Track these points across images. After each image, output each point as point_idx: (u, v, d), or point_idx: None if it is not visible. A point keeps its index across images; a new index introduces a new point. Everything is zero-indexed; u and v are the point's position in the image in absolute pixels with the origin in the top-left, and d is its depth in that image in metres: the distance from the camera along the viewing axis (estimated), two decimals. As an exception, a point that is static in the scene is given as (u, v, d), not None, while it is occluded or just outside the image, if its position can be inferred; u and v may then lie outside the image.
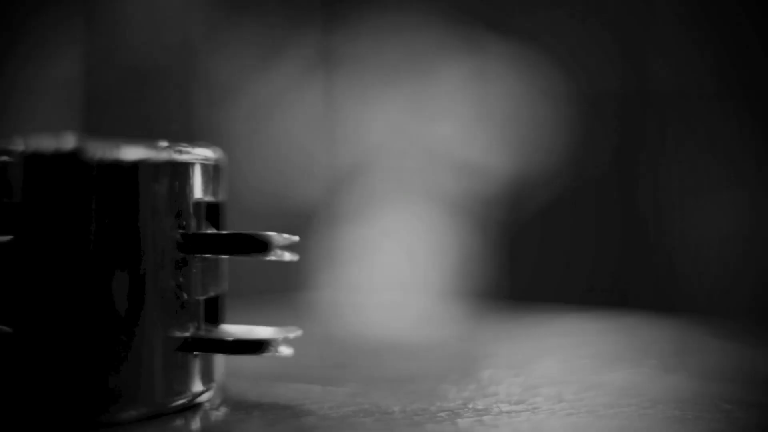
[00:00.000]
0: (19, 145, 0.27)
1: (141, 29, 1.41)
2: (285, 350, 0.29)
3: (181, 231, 0.28)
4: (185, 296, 0.28)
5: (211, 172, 0.30)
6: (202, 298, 0.29)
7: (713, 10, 1.42)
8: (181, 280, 0.28)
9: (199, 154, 0.29)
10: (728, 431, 0.27)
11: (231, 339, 0.29)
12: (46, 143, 0.27)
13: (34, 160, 0.26)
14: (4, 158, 0.27)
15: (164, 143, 0.28)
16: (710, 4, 1.44)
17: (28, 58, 1.41)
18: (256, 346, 0.29)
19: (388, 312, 0.63)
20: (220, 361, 0.31)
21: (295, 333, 0.30)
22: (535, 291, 1.49)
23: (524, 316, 0.54)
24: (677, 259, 1.48)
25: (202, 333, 0.29)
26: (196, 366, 0.29)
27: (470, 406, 0.30)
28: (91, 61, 1.41)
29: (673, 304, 1.45)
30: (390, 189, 1.54)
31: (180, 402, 0.28)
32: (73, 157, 0.26)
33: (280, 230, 0.30)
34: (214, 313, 0.30)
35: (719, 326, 0.49)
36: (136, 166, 0.27)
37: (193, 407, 0.29)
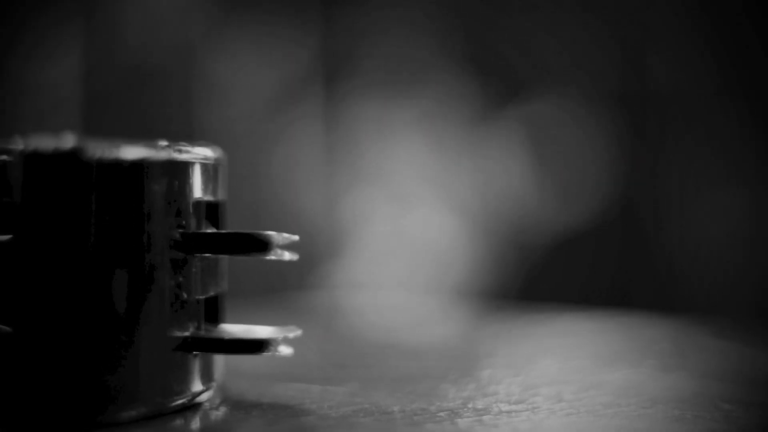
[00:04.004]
0: (19, 145, 0.27)
1: (141, 29, 1.41)
2: (285, 350, 0.30)
3: (180, 230, 0.28)
4: (185, 296, 0.28)
5: (211, 172, 0.30)
6: (202, 297, 0.29)
7: (713, 10, 1.43)
8: (180, 279, 0.28)
9: (199, 153, 0.29)
10: (727, 431, 0.27)
11: (231, 338, 0.29)
12: (45, 143, 0.27)
13: (34, 159, 0.26)
14: (4, 157, 0.27)
15: (164, 142, 0.28)
16: (710, 4, 1.44)
17: (28, 58, 1.41)
18: (256, 346, 0.29)
19: (387, 312, 0.63)
20: (219, 360, 0.31)
21: (294, 332, 0.30)
22: (535, 291, 1.49)
23: (523, 315, 0.54)
24: (677, 258, 1.48)
25: (202, 332, 0.29)
26: (196, 366, 0.29)
27: (470, 405, 0.30)
28: (90, 61, 1.41)
29: (674, 303, 1.45)
30: (391, 188, 1.54)
31: (180, 401, 0.28)
32: (73, 156, 0.26)
33: (280, 230, 0.30)
34: (214, 312, 0.30)
35: (719, 326, 0.49)
36: (135, 165, 0.27)
37: (192, 407, 0.29)
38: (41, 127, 1.39)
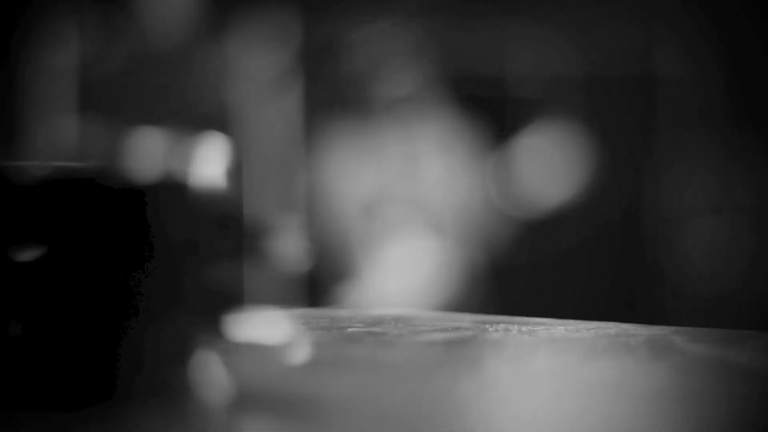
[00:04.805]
0: (47, 169, 0.28)
1: (144, 19, 1.43)
2: (296, 353, 0.31)
3: (190, 240, 0.30)
4: (195, 295, 0.30)
5: (217, 189, 0.31)
6: (210, 297, 0.31)
7: (713, 10, 1.43)
8: (190, 280, 0.30)
9: (209, 172, 0.31)
10: (714, 421, 0.29)
11: (241, 340, 0.31)
12: (70, 164, 0.29)
13: (58, 184, 0.28)
14: (34, 179, 0.28)
15: (182, 164, 0.30)
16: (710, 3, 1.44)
17: (33, 46, 1.43)
18: (268, 348, 0.31)
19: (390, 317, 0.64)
20: (229, 360, 0.32)
21: (302, 340, 0.31)
22: (533, 297, 1.49)
23: (523, 322, 0.56)
24: (678, 267, 1.48)
25: (211, 330, 0.31)
26: (205, 361, 0.30)
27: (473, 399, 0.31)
28: (91, 49, 1.43)
29: (674, 310, 1.45)
30: (385, 196, 1.54)
31: (189, 393, 0.30)
32: (94, 182, 0.28)
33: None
34: (222, 311, 0.32)
35: (713, 333, 0.50)
36: (152, 188, 0.29)
37: (201, 401, 0.30)
38: (46, 112, 1.41)
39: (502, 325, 0.48)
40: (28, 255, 0.28)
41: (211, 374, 0.31)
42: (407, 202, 1.60)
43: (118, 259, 0.28)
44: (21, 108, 1.44)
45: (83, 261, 0.28)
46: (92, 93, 1.43)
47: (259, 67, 1.44)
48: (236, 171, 0.32)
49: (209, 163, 0.30)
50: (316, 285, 1.47)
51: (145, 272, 0.29)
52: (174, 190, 0.29)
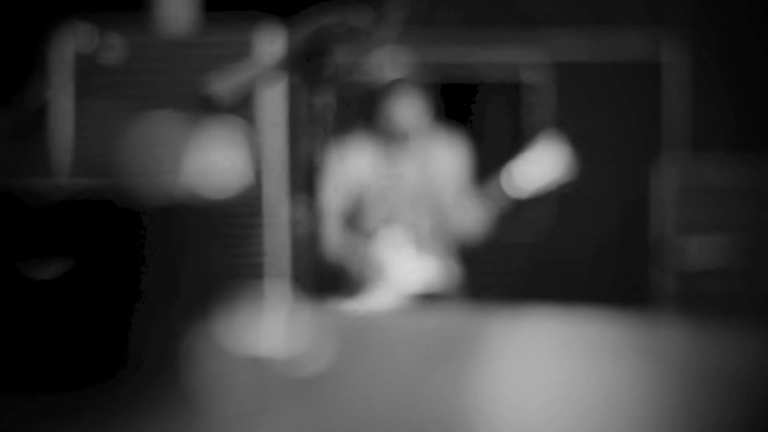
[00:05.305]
0: (64, 191, 0.30)
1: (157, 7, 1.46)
2: (313, 363, 0.32)
3: (196, 246, 0.32)
4: (200, 295, 0.32)
5: (223, 211, 0.33)
6: (220, 301, 0.32)
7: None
8: (195, 281, 0.32)
9: (217, 192, 0.32)
10: (699, 409, 0.30)
11: (243, 341, 0.32)
12: (87, 183, 0.30)
13: (78, 204, 0.30)
14: (51, 202, 0.30)
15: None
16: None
17: (48, 35, 1.46)
18: (286, 362, 0.32)
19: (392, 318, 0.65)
20: (246, 363, 0.34)
21: (324, 347, 0.32)
22: (533, 293, 1.50)
23: (523, 315, 0.57)
24: (678, 259, 1.49)
25: (214, 330, 0.32)
26: (202, 360, 0.32)
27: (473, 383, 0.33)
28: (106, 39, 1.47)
29: (673, 304, 1.46)
30: (379, 200, 1.55)
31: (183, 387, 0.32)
32: (112, 204, 0.30)
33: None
34: (227, 310, 0.33)
35: (705, 326, 0.51)
36: (163, 209, 0.31)
37: (194, 396, 0.32)
38: (58, 95, 1.44)
39: (497, 320, 0.49)
40: (50, 272, 0.29)
41: (207, 372, 0.32)
42: (396, 188, 1.60)
43: (127, 268, 0.30)
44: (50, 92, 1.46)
45: (98, 274, 0.30)
46: (106, 82, 1.45)
47: (263, 55, 1.46)
48: (256, 161, 0.34)
49: (231, 151, 0.32)
50: (321, 282, 1.49)
51: (150, 278, 0.30)
52: (184, 207, 0.31)
